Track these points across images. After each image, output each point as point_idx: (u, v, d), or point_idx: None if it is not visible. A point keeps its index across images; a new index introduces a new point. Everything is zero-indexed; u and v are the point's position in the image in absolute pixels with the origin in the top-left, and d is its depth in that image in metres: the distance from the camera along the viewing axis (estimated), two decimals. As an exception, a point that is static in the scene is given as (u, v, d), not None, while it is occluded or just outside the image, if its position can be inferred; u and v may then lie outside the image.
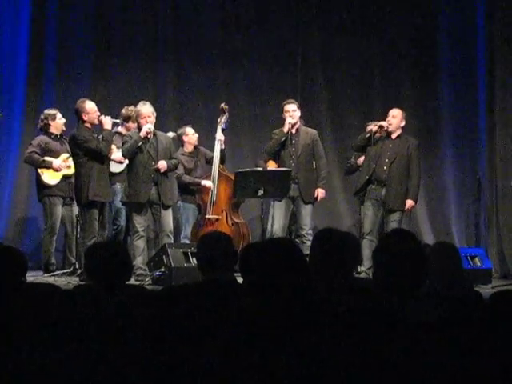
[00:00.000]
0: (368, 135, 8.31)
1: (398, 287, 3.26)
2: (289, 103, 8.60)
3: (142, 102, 8.28)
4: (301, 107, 8.77)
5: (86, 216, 8.01)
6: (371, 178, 8.31)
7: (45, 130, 8.90)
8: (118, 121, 8.63)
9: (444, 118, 10.66)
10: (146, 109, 8.17)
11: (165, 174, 8.21)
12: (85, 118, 8.06)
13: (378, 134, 8.29)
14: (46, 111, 8.84)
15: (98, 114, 8.12)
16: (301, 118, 8.73)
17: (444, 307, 3.33)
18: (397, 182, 8.27)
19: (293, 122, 8.48)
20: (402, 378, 2.82)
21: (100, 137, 8.07)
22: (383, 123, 8.29)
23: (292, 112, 8.51)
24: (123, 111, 8.90)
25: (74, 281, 7.90)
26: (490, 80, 10.16)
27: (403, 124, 8.41)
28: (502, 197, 9.94)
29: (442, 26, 10.70)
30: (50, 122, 8.86)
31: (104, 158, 8.07)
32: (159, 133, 8.36)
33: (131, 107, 8.87)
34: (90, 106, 8.10)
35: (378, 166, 8.27)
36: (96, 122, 8.11)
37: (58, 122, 8.77)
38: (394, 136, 8.37)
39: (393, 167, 8.26)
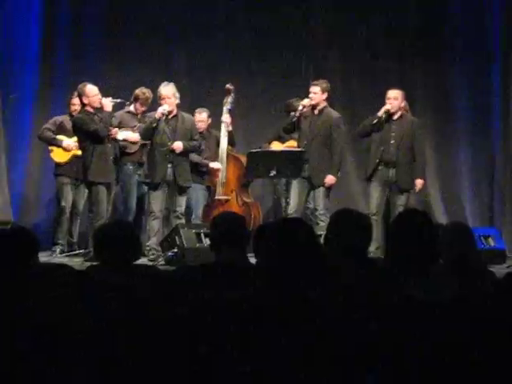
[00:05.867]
0: (375, 121, 8.32)
1: (411, 266, 3.26)
2: (312, 84, 8.57)
3: (165, 82, 8.24)
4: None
5: (94, 197, 8.01)
6: (380, 161, 8.33)
7: (68, 110, 8.94)
8: (118, 100, 8.49)
9: (456, 96, 10.58)
10: (165, 90, 8.14)
11: (182, 155, 8.18)
12: (85, 102, 7.99)
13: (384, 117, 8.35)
14: (75, 93, 8.82)
15: (99, 97, 8.02)
16: (327, 100, 8.60)
17: (457, 287, 3.33)
18: (405, 163, 8.32)
19: (306, 103, 8.43)
20: (413, 357, 2.82)
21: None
22: (388, 107, 8.31)
23: (312, 94, 8.47)
24: (136, 91, 8.86)
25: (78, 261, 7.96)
26: (505, 56, 10.10)
27: (403, 104, 8.42)
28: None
29: (455, 1, 10.62)
30: (70, 104, 8.90)
31: (103, 140, 7.98)
32: (183, 114, 8.34)
33: (145, 89, 8.85)
34: (89, 89, 8.01)
35: (385, 148, 8.30)
36: (97, 105, 8.00)
37: (75, 103, 8.67)
38: (395, 117, 8.39)
39: (400, 148, 8.30)
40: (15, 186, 9.87)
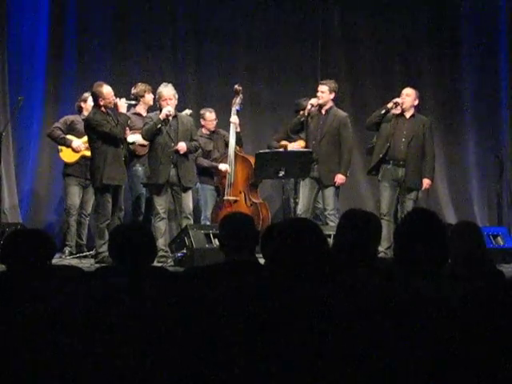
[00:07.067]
0: (383, 111, 8.34)
1: (420, 267, 3.26)
2: (320, 84, 8.61)
3: (164, 83, 8.24)
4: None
5: (100, 199, 8.02)
6: (385, 158, 8.33)
7: (78, 111, 8.95)
8: (133, 102, 8.60)
9: (465, 96, 10.59)
10: (167, 91, 8.14)
11: (185, 155, 8.20)
12: (101, 103, 7.97)
13: (393, 111, 8.32)
14: (85, 94, 8.80)
15: (114, 98, 8.03)
16: (333, 100, 8.60)
17: (466, 286, 3.32)
18: (414, 162, 8.30)
19: (314, 102, 8.44)
20: (423, 358, 2.82)
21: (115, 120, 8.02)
22: (398, 100, 8.32)
23: (320, 93, 8.48)
24: (134, 90, 8.86)
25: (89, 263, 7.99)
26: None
27: (416, 103, 8.43)
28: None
29: (464, 2, 10.62)
30: (81, 104, 8.89)
31: (119, 142, 8.01)
32: (181, 114, 8.35)
33: (139, 83, 8.88)
34: (107, 90, 7.99)
35: (393, 146, 8.30)
36: (112, 105, 8.03)
37: (89, 105, 8.56)
38: (407, 115, 8.39)
39: (411, 147, 8.29)
40: (24, 186, 9.90)
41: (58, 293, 3.32)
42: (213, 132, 9.34)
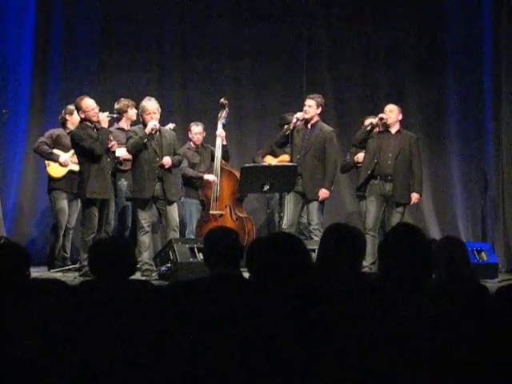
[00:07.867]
0: (369, 128, 8.34)
1: (404, 281, 3.26)
2: (307, 98, 8.57)
3: (147, 97, 8.24)
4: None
5: (86, 212, 7.99)
6: (373, 173, 8.33)
7: (62, 124, 8.91)
8: (115, 115, 8.59)
9: (449, 110, 10.60)
10: (151, 105, 8.14)
11: (169, 169, 8.21)
12: (82, 116, 7.94)
13: (377, 128, 8.33)
14: (68, 106, 8.77)
15: (96, 111, 7.96)
16: (320, 114, 8.58)
17: (450, 301, 3.33)
18: (402, 177, 8.30)
19: (300, 116, 8.43)
20: (406, 371, 2.83)
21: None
22: (383, 115, 8.32)
23: (307, 107, 8.46)
24: (117, 106, 8.85)
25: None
26: (497, 72, 10.14)
27: (400, 118, 8.44)
28: (509, 190, 9.92)
29: (448, 17, 10.66)
30: (67, 116, 8.84)
31: (98, 158, 7.90)
32: (163, 128, 8.34)
33: (121, 99, 8.88)
34: (86, 103, 7.92)
35: (380, 161, 8.30)
36: (95, 119, 7.94)
37: (75, 118, 8.49)
38: (393, 131, 8.39)
39: (398, 162, 8.29)
40: (9, 200, 9.86)
41: (41, 306, 3.31)
42: (201, 145, 9.33)
